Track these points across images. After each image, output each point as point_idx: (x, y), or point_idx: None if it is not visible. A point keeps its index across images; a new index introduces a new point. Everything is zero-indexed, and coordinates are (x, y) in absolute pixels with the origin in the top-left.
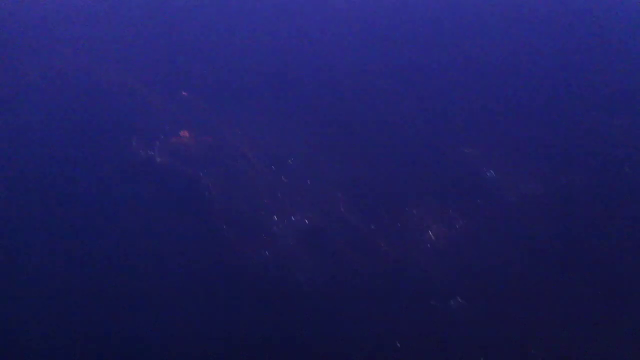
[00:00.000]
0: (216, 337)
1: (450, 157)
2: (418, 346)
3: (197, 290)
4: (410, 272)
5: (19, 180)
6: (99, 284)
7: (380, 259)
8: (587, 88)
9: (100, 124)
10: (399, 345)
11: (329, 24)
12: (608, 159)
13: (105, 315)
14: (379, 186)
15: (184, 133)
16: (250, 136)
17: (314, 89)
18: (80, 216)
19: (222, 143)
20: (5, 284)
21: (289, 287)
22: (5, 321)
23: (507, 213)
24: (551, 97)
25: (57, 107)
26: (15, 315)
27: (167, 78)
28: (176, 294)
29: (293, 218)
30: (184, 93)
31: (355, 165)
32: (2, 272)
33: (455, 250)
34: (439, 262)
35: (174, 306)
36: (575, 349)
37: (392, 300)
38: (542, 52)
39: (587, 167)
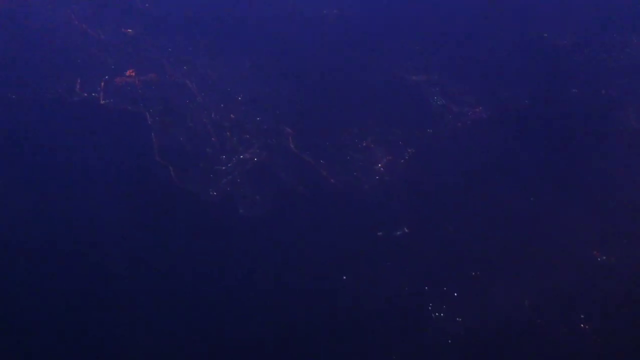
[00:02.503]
0: (155, 268)
1: (400, 86)
2: (363, 276)
3: (140, 229)
4: (359, 204)
5: None
6: (38, 223)
7: (329, 192)
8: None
9: (43, 64)
10: (344, 278)
11: None
12: (553, 77)
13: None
14: (329, 120)
15: (130, 72)
16: (198, 73)
17: (262, 24)
18: (21, 156)
19: (169, 81)
20: None
21: (232, 222)
22: None
23: (455, 139)
24: (495, 19)
25: None
26: None
27: (112, 16)
28: (120, 232)
29: (241, 156)
30: (129, 30)
31: (305, 100)
32: None
33: (403, 180)
34: (387, 192)
35: (117, 243)
36: (514, 271)
37: (338, 232)
38: None
39: (532, 87)
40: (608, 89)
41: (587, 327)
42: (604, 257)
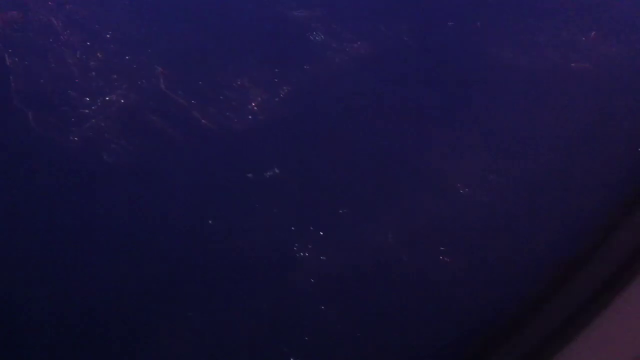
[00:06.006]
0: (12, 215)
1: (280, 22)
2: (230, 219)
3: None
4: (230, 145)
5: None
6: None
7: (200, 134)
8: None
9: None
10: (210, 222)
11: None
12: (432, 12)
13: None
14: (204, 58)
15: None
16: (65, 10)
17: None
18: None
19: (32, 19)
20: None
21: (96, 169)
22: None
23: (332, 76)
24: None
25: None
26: None
27: None
28: None
29: (107, 98)
30: None
31: (179, 38)
32: None
33: (276, 120)
34: (259, 132)
35: None
36: (381, 207)
37: (207, 175)
38: None
39: (411, 22)
40: (483, 22)
41: (447, 259)
42: (467, 190)
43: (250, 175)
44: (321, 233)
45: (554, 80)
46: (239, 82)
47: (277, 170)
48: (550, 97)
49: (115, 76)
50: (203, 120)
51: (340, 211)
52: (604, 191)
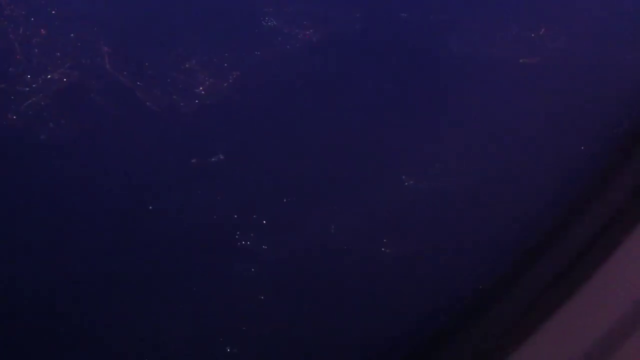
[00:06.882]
0: None
1: (232, 6)
2: (172, 205)
3: None
4: (174, 130)
5: None
6: None
7: (144, 116)
8: None
9: None
10: (150, 208)
11: None
12: (387, 3)
13: None
14: (152, 39)
15: None
16: None
17: None
18: None
19: None
20: None
21: (33, 148)
22: None
23: (282, 62)
24: None
25: None
26: None
27: None
28: None
29: (49, 76)
30: None
31: (127, 16)
32: None
33: (224, 105)
34: (206, 117)
35: None
36: (325, 197)
37: (149, 159)
38: None
39: (363, 10)
40: (436, 14)
41: (387, 251)
42: (412, 182)
43: (194, 160)
44: (264, 222)
45: (502, 74)
46: (187, 65)
47: (222, 157)
48: (497, 90)
49: (58, 54)
50: (148, 103)
51: (285, 200)
52: (548, 185)
